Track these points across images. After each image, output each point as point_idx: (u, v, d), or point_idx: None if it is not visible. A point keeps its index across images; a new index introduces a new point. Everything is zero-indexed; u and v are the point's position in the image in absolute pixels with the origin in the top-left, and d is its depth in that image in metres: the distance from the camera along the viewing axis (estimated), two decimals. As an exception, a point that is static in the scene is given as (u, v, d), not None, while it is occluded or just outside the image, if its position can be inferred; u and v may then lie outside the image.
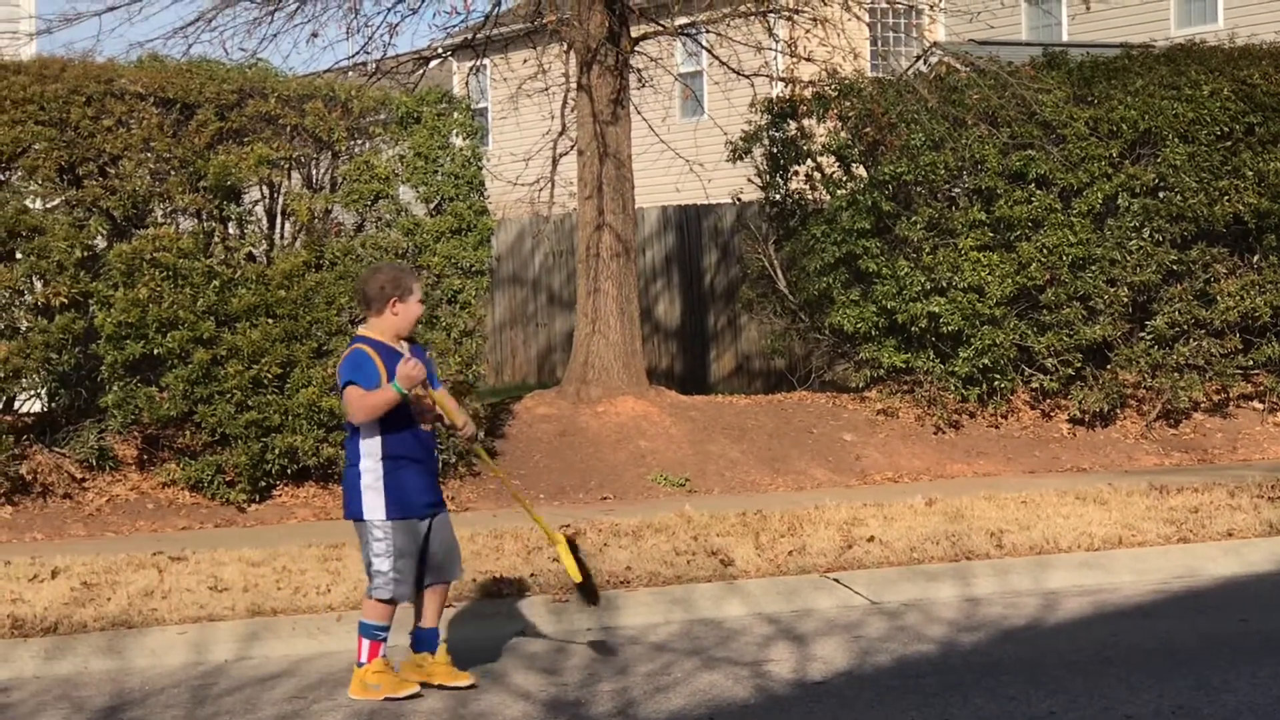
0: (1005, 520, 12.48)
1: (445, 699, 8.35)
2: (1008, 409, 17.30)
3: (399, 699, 8.28)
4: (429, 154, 15.11)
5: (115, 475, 14.10)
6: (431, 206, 15.24)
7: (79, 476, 13.92)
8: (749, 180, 18.44)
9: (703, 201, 21.69)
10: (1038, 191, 17.12)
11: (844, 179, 17.58)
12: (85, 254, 13.82)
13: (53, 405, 14.41)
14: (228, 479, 14.12)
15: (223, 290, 14.04)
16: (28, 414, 14.40)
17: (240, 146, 14.32)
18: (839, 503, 13.47)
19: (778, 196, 18.15)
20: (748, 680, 8.65)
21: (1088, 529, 12.12)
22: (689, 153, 18.45)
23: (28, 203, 13.99)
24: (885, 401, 17.05)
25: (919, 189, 17.20)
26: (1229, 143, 17.54)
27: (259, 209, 14.81)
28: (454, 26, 17.72)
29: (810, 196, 17.95)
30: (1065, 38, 27.37)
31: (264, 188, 14.74)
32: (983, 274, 16.86)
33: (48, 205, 14.12)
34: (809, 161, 17.84)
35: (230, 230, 14.57)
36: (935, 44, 21.45)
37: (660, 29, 17.70)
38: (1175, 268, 17.45)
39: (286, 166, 14.72)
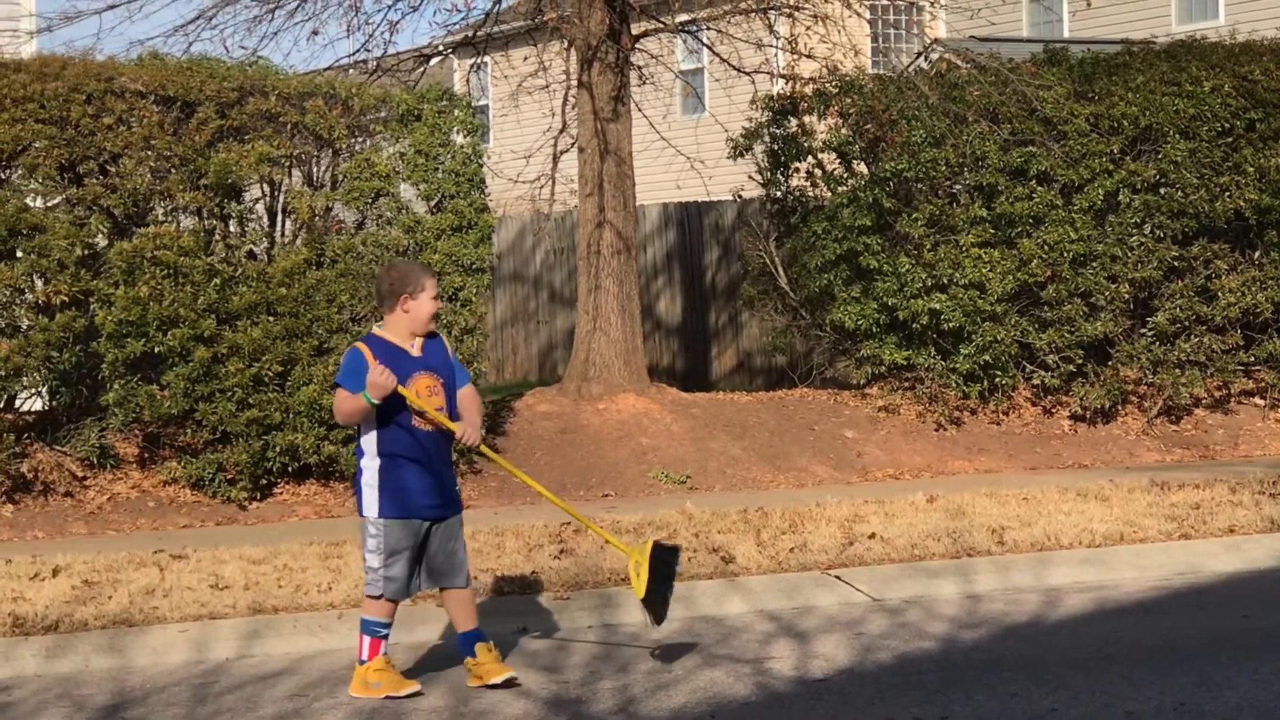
0: (1007, 517, 12.47)
1: (446, 697, 8.34)
2: (1009, 406, 17.29)
3: (400, 697, 8.26)
4: (430, 151, 15.11)
5: (116, 473, 14.10)
6: (432, 204, 15.23)
7: (80, 475, 13.92)
8: (750, 177, 18.42)
9: (704, 198, 21.68)
10: (1039, 188, 17.10)
11: (845, 176, 17.57)
12: (86, 252, 13.81)
13: (54, 403, 14.40)
14: (229, 477, 14.12)
15: (223, 288, 14.03)
16: (29, 412, 14.40)
17: (241, 144, 14.31)
18: (840, 500, 13.46)
19: (779, 193, 18.15)
20: (749, 677, 8.64)
21: (1089, 525, 12.11)
22: (690, 150, 18.44)
23: (28, 201, 13.99)
24: (886, 398, 17.04)
25: (920, 186, 17.18)
26: (1230, 139, 17.51)
27: (260, 207, 14.80)
28: (454, 24, 17.77)
29: (811, 193, 17.94)
30: (1066, 34, 27.38)
31: (265, 185, 14.73)
32: (984, 270, 16.85)
33: (48, 203, 14.12)
34: (810, 158, 17.84)
35: (231, 228, 14.57)
36: (936, 41, 21.42)
37: (661, 26, 17.68)
38: (1176, 264, 17.43)
39: (287, 164, 14.71)
